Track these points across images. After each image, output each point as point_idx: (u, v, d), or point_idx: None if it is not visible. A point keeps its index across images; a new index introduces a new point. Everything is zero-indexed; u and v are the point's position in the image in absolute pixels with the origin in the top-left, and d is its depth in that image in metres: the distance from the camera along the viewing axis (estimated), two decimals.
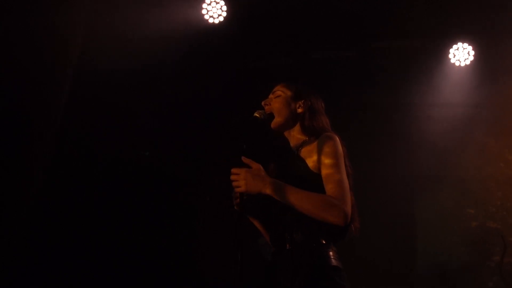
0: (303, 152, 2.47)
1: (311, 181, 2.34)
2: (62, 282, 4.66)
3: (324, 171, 2.32)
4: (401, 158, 5.82)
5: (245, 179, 2.28)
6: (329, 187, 2.28)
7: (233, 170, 2.31)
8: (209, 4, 5.22)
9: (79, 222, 4.90)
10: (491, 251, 5.82)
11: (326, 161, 2.33)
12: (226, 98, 5.19)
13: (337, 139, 2.43)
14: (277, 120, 2.55)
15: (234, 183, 2.30)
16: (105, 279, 4.93)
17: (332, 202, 2.20)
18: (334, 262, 2.28)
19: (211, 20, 5.23)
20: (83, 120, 4.70)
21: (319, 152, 2.37)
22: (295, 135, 2.59)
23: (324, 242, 2.31)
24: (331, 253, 2.30)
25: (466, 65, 5.68)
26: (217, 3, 5.22)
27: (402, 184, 5.74)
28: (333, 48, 5.69)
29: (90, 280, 4.86)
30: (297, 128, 2.59)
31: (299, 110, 2.59)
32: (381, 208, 5.34)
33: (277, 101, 2.59)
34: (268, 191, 2.26)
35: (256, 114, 2.48)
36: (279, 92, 2.62)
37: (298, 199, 2.23)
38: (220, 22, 5.23)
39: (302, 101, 2.60)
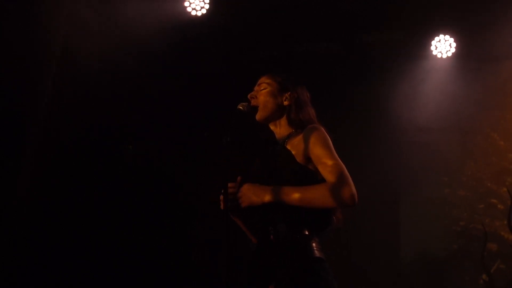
0: (290, 144, 2.45)
1: (299, 172, 2.35)
2: (49, 281, 4.64)
3: (318, 161, 2.32)
4: (384, 153, 5.85)
5: (246, 194, 2.34)
6: (328, 175, 2.27)
7: (230, 185, 2.35)
8: None
9: (67, 220, 4.85)
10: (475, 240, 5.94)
11: (316, 151, 2.32)
12: (210, 91, 5.15)
13: (323, 129, 2.42)
14: (262, 113, 2.52)
15: (238, 200, 2.35)
16: (95, 279, 4.92)
17: (336, 187, 2.20)
18: (317, 253, 2.29)
19: (193, 13, 5.15)
20: (67, 115, 4.61)
21: (306, 144, 2.36)
22: (281, 128, 2.56)
23: (307, 233, 2.31)
24: (314, 244, 2.31)
25: (448, 56, 5.71)
26: None
27: (385, 179, 5.80)
28: (317, 42, 5.66)
29: (78, 280, 4.85)
30: (283, 120, 2.55)
31: (285, 103, 2.55)
32: (364, 199, 5.38)
33: (262, 93, 2.56)
34: (270, 198, 2.29)
35: (239, 107, 2.44)
36: (264, 85, 2.58)
37: (305, 196, 2.25)
38: (203, 14, 5.16)
39: (288, 93, 2.56)
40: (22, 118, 4.08)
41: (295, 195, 2.26)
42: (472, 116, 6.01)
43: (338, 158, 2.31)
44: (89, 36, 4.38)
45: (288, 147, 2.44)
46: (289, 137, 2.50)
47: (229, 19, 5.27)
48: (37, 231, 4.59)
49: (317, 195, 2.23)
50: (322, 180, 2.32)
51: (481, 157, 6.10)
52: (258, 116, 2.52)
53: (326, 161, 2.29)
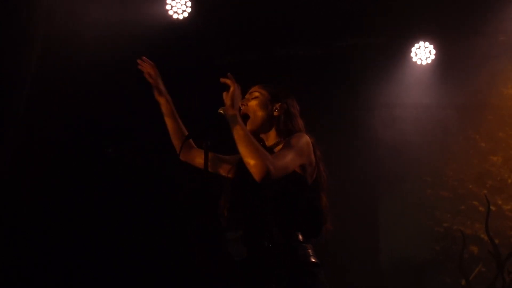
0: (277, 151, 2.47)
1: (285, 179, 2.34)
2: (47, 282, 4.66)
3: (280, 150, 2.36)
4: (363, 156, 5.89)
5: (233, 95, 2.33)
6: (274, 155, 2.29)
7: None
8: (173, 0, 5.16)
9: (58, 220, 4.88)
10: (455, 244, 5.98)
11: (284, 145, 2.38)
12: (191, 94, 5.15)
13: (306, 137, 2.46)
14: (253, 123, 2.57)
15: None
16: (93, 279, 4.94)
17: (264, 155, 2.17)
18: (313, 259, 2.36)
19: (175, 16, 5.18)
20: (47, 116, 4.63)
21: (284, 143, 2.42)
22: (270, 137, 2.60)
23: (301, 239, 2.37)
24: (309, 250, 2.38)
25: (427, 63, 5.79)
26: None
27: (364, 181, 5.83)
28: (296, 46, 5.72)
29: (76, 280, 4.88)
30: (272, 130, 2.60)
31: (275, 113, 2.59)
32: (344, 207, 5.39)
33: (253, 102, 2.61)
34: (230, 113, 2.28)
35: (220, 111, 2.41)
36: (256, 94, 2.64)
37: (242, 135, 2.23)
38: (184, 18, 5.19)
39: (279, 104, 2.60)
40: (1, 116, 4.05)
41: (239, 130, 2.24)
42: (454, 118, 6.08)
43: (294, 154, 2.31)
44: (68, 40, 4.37)
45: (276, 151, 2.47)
46: (276, 145, 2.55)
47: (211, 22, 5.33)
48: (23, 232, 4.60)
49: (245, 144, 2.20)
50: (311, 185, 2.43)
51: (463, 158, 6.17)
52: (248, 125, 2.55)
53: (281, 149, 2.35)
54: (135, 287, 5.15)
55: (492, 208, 5.80)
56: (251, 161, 2.16)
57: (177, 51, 5.30)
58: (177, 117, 2.81)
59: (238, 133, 2.23)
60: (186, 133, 2.76)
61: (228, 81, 2.34)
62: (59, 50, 4.39)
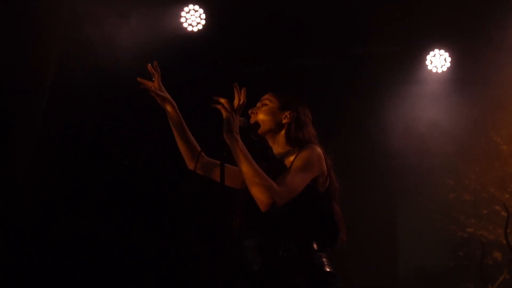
0: (287, 162, 2.46)
1: None
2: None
3: (287, 170, 2.34)
4: (379, 164, 5.86)
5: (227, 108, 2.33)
6: (280, 178, 2.28)
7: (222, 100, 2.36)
8: (187, 12, 5.22)
9: (63, 221, 4.90)
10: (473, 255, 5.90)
11: (294, 163, 2.36)
12: (207, 105, 5.18)
13: (318, 150, 2.45)
14: (261, 129, 2.56)
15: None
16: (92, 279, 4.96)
17: (269, 185, 2.18)
18: (328, 268, 2.34)
19: (190, 28, 5.24)
20: (61, 136, 4.69)
21: (295, 157, 2.40)
22: (279, 143, 2.59)
23: (316, 248, 2.35)
24: (324, 259, 2.35)
25: (443, 71, 5.79)
26: (195, 11, 5.22)
27: (382, 189, 5.80)
28: (312, 55, 5.74)
29: (74, 280, 4.90)
30: (281, 137, 2.58)
31: (285, 121, 2.58)
32: (361, 215, 5.36)
33: (263, 110, 2.59)
34: (228, 138, 2.29)
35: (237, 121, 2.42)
36: (266, 101, 2.62)
37: (245, 162, 2.24)
38: (199, 30, 5.25)
39: (289, 112, 2.59)
40: (19, 120, 4.12)
41: (241, 156, 2.25)
42: (475, 120, 6.02)
43: (303, 179, 2.31)
44: (84, 54, 4.45)
45: (286, 164, 2.46)
46: (287, 153, 2.52)
47: (225, 34, 5.34)
48: (33, 232, 4.66)
49: (251, 172, 2.21)
50: (323, 194, 2.42)
51: (484, 161, 6.09)
52: (253, 133, 2.57)
53: (288, 172, 2.31)
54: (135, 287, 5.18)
55: None
56: (256, 193, 2.18)
57: (192, 63, 5.34)
58: (184, 126, 2.76)
59: (243, 158, 2.25)
60: (194, 142, 2.75)
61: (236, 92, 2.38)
62: (75, 63, 4.47)
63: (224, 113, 2.33)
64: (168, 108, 2.73)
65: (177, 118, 2.73)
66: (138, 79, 2.75)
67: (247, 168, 2.22)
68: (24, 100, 4.16)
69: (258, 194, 2.17)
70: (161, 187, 5.34)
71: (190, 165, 2.72)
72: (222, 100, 2.35)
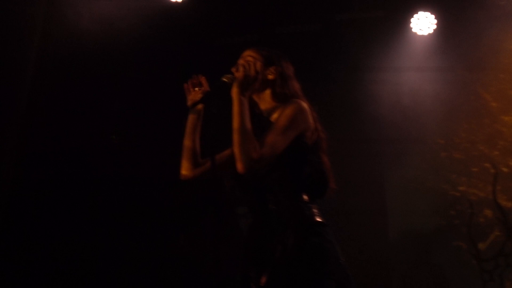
0: (274, 117, 2.45)
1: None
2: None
3: (273, 126, 2.35)
4: (366, 126, 5.91)
5: (252, 69, 2.39)
6: (265, 137, 2.30)
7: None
8: None
9: (52, 217, 4.89)
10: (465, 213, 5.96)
11: (278, 118, 2.37)
12: (191, 76, 5.18)
13: (302, 105, 2.42)
14: None
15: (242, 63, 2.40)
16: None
17: (249, 153, 2.22)
18: (319, 218, 2.34)
19: None
20: (47, 107, 4.68)
21: (280, 113, 2.40)
22: (265, 100, 2.56)
23: (306, 199, 2.35)
24: (314, 210, 2.36)
25: (429, 33, 5.82)
26: None
27: (370, 153, 5.82)
28: (297, 22, 5.73)
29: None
30: (267, 94, 2.55)
31: (270, 77, 2.54)
32: (350, 180, 5.37)
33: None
34: (237, 96, 2.33)
35: (224, 79, 2.42)
36: (249, 58, 2.55)
37: (240, 126, 2.28)
38: (182, 0, 5.19)
39: (273, 67, 2.55)
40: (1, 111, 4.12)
41: (239, 117, 2.29)
42: (463, 78, 6.04)
43: (285, 139, 2.32)
44: (66, 26, 4.43)
45: (272, 119, 2.45)
46: (274, 109, 2.50)
47: (209, 3, 5.32)
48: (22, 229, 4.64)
49: (242, 140, 2.25)
50: (311, 147, 2.41)
51: (474, 119, 6.12)
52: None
53: (271, 132, 2.32)
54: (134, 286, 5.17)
55: (504, 169, 5.79)
56: (236, 155, 2.24)
57: (176, 34, 5.33)
58: (197, 137, 2.62)
59: (236, 122, 2.28)
60: (198, 153, 2.60)
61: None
62: (58, 42, 4.44)
63: (242, 72, 2.37)
64: (197, 109, 2.59)
65: (198, 122, 2.60)
66: (194, 76, 2.63)
67: (237, 135, 2.25)
68: (8, 77, 4.15)
69: (237, 160, 2.23)
70: (149, 164, 5.29)
71: (187, 171, 2.59)
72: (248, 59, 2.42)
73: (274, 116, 2.46)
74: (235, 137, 2.26)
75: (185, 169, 2.58)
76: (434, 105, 6.04)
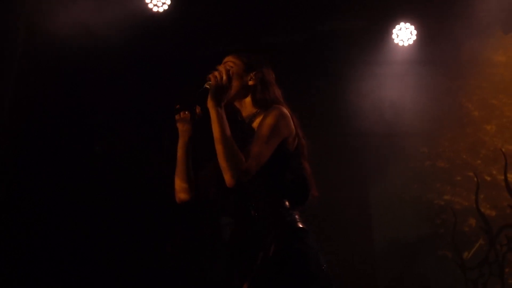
0: (255, 123, 2.47)
1: None
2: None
3: (255, 135, 2.35)
4: (349, 141, 5.95)
5: (225, 78, 2.34)
6: (249, 148, 2.30)
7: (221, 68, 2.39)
8: None
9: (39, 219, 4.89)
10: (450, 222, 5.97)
11: (260, 127, 2.36)
12: (174, 87, 5.17)
13: (283, 111, 2.43)
14: None
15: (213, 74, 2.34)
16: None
17: (236, 166, 2.21)
18: (301, 224, 2.37)
19: (155, 9, 5.15)
20: (30, 117, 4.67)
21: (261, 120, 2.40)
22: (246, 106, 2.57)
23: (288, 205, 2.38)
24: (296, 216, 2.38)
25: (409, 44, 5.87)
26: None
27: (354, 162, 5.84)
28: (278, 33, 5.77)
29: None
30: (248, 100, 2.56)
31: (251, 82, 2.54)
32: (333, 190, 5.38)
33: None
34: (213, 108, 2.29)
35: (206, 85, 2.39)
36: (230, 63, 2.57)
37: (221, 137, 2.25)
38: (164, 10, 5.17)
39: (254, 73, 2.55)
40: None
41: (219, 130, 2.26)
42: (445, 87, 6.08)
43: (268, 147, 2.32)
44: (48, 36, 4.42)
45: (254, 126, 2.47)
46: (255, 115, 2.52)
47: (192, 14, 5.32)
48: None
49: (223, 149, 2.24)
50: (293, 153, 2.42)
51: (457, 127, 6.15)
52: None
53: (255, 143, 2.32)
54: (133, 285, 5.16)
55: (487, 178, 5.84)
56: (223, 170, 2.23)
57: (158, 44, 5.33)
58: (190, 156, 2.60)
59: (220, 132, 2.26)
60: (192, 175, 2.56)
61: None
62: (40, 51, 4.45)
63: (213, 80, 2.33)
64: (187, 135, 2.56)
65: (189, 146, 2.57)
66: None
67: (220, 146, 2.24)
68: None
69: (224, 173, 2.22)
70: (133, 173, 5.30)
71: (183, 196, 2.55)
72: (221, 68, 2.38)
73: (256, 122, 2.47)
74: (219, 149, 2.25)
75: (183, 192, 2.54)
76: (417, 114, 6.08)
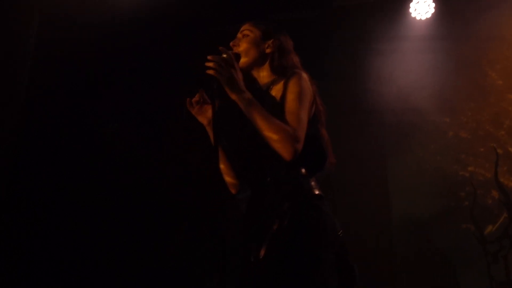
0: (274, 91, 2.47)
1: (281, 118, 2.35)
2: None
3: (286, 105, 2.34)
4: (370, 106, 5.88)
5: (223, 68, 2.26)
6: (287, 119, 2.29)
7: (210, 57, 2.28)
8: None
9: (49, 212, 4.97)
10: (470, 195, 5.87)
11: (289, 96, 2.36)
12: (184, 66, 5.01)
13: (304, 76, 2.43)
14: (244, 60, 2.52)
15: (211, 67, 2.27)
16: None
17: (288, 135, 2.21)
18: (317, 191, 2.35)
19: None
20: (44, 104, 4.79)
21: (285, 89, 2.40)
22: (264, 74, 2.57)
23: (304, 172, 2.36)
24: (312, 183, 2.36)
25: (427, 18, 5.76)
26: None
27: (372, 134, 5.80)
28: (293, 9, 5.70)
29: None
30: (266, 67, 2.56)
31: (268, 50, 2.55)
32: (352, 167, 5.38)
33: (245, 41, 2.55)
34: (238, 98, 2.28)
35: (224, 55, 2.35)
36: (246, 32, 2.57)
37: (262, 122, 2.24)
38: None
39: (271, 41, 2.56)
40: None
41: (255, 113, 2.25)
42: (469, 55, 5.90)
43: (305, 110, 2.33)
44: (61, 23, 4.57)
45: (272, 93, 2.47)
46: (273, 83, 2.51)
47: None
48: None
49: (267, 127, 2.23)
50: (310, 120, 2.39)
51: (480, 97, 6.00)
52: (240, 63, 2.49)
53: (290, 108, 2.32)
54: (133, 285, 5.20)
55: (511, 149, 5.67)
56: (278, 149, 2.21)
57: (167, 22, 5.32)
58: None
59: (257, 114, 2.24)
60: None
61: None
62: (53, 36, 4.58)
63: (221, 75, 2.26)
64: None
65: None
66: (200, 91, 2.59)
67: (264, 128, 2.23)
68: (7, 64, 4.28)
69: (281, 150, 2.21)
70: (133, 173, 5.31)
71: (237, 188, 2.57)
72: (211, 57, 2.26)
73: (274, 89, 2.48)
74: (265, 128, 2.22)
75: (235, 188, 2.56)
76: (439, 83, 5.95)
